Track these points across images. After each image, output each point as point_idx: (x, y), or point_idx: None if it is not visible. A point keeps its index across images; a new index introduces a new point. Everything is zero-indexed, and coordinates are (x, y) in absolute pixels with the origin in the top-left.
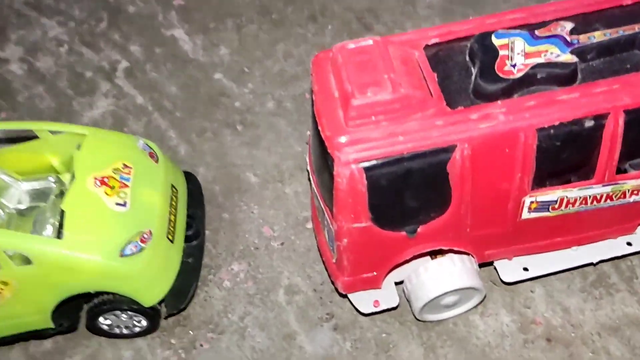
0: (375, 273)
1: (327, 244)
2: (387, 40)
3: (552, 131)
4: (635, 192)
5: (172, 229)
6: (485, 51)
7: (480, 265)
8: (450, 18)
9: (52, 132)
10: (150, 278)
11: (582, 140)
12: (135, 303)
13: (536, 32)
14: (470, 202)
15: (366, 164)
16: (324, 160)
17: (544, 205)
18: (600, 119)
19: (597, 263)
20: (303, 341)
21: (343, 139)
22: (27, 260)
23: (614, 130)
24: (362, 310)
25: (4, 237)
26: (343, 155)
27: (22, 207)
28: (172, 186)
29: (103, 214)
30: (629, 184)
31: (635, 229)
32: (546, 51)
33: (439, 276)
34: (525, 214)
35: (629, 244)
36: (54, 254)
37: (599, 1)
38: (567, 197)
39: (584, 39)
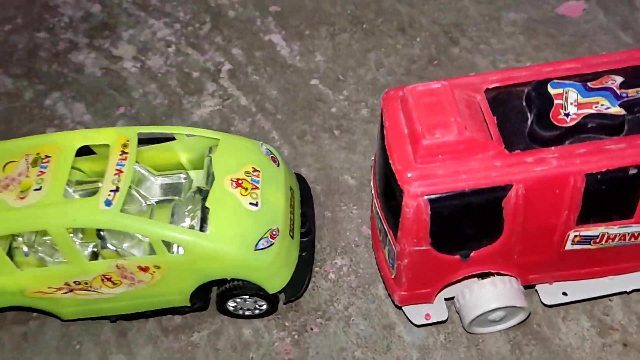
0: (429, 290)
1: (385, 261)
2: (453, 83)
3: (599, 176)
4: None
5: (292, 226)
6: (541, 99)
7: (525, 287)
8: (533, 36)
9: (188, 135)
10: (276, 269)
11: (626, 186)
12: (261, 290)
13: (589, 84)
14: (520, 233)
15: (431, 197)
16: (391, 190)
17: (586, 239)
18: None
19: (631, 292)
20: (402, 331)
21: (412, 174)
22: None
23: None
24: (414, 322)
25: (162, 229)
26: (412, 188)
27: (156, 199)
28: (290, 187)
29: (240, 212)
30: None
31: None
32: (597, 103)
33: (486, 295)
34: (569, 246)
35: None
36: (201, 245)
37: None
38: (607, 233)
39: (632, 92)
